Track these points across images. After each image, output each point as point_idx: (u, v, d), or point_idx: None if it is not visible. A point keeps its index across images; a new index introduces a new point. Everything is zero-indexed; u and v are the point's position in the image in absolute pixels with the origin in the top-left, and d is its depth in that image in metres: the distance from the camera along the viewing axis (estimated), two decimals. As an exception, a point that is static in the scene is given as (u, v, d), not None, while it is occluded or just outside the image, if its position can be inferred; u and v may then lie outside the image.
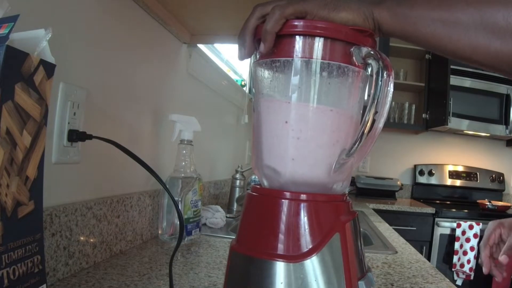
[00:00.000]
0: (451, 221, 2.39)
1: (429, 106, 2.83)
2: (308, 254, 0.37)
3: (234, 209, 1.45)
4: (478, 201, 2.67)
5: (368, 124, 0.38)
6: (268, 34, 0.39)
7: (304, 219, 0.38)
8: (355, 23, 0.39)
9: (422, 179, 2.99)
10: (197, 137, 1.00)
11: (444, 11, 0.38)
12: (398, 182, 2.80)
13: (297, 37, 0.40)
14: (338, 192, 0.43)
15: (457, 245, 2.35)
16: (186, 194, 0.92)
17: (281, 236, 0.38)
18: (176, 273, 0.71)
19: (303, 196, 0.39)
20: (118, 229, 0.79)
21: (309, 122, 0.40)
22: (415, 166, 3.04)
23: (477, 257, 2.31)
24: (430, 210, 2.42)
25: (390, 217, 2.24)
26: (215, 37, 1.16)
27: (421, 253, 1.60)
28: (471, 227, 2.32)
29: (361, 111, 0.42)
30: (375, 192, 2.78)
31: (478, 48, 0.38)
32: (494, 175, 2.96)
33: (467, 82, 2.64)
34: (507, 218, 0.85)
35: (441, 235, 2.41)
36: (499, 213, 2.46)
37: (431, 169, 2.98)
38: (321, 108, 0.41)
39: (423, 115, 2.83)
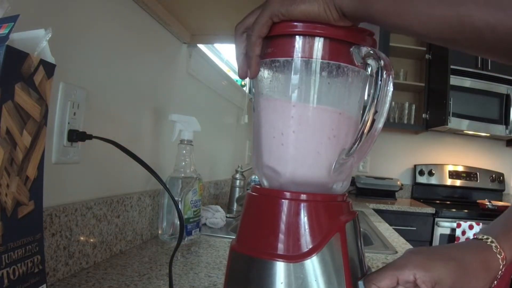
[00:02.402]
0: (451, 221, 2.39)
1: (429, 106, 2.83)
2: (308, 254, 0.37)
3: (234, 209, 1.45)
4: (478, 201, 2.67)
5: (368, 124, 0.38)
6: (250, 59, 0.40)
7: (304, 219, 0.38)
8: (316, 14, 0.38)
9: (422, 179, 2.99)
10: (197, 137, 1.00)
11: None
12: (398, 182, 2.80)
13: (296, 37, 0.40)
14: (338, 192, 0.43)
15: (457, 245, 2.34)
16: (186, 194, 0.92)
17: (281, 236, 0.38)
18: (176, 273, 0.71)
19: (303, 196, 0.39)
20: (118, 229, 0.79)
21: (308, 122, 0.40)
22: (415, 166, 3.04)
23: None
24: (430, 210, 2.42)
25: (390, 217, 2.24)
26: (215, 37, 1.16)
27: (421, 253, 1.60)
28: (471, 227, 2.32)
29: (361, 111, 0.42)
30: (375, 192, 2.78)
31: (424, 20, 0.35)
32: (494, 175, 2.96)
33: (467, 82, 2.64)
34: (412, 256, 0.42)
35: (441, 235, 2.41)
36: (499, 213, 2.46)
37: (431, 169, 2.97)
38: (321, 108, 0.41)
39: (423, 115, 2.83)
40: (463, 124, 2.65)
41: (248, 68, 0.40)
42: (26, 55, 0.39)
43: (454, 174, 2.97)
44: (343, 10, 0.38)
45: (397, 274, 0.41)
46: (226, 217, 1.25)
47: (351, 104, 0.42)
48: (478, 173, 2.97)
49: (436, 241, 2.41)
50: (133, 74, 0.86)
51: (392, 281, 0.40)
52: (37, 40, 0.41)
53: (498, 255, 0.44)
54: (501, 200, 2.86)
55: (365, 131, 0.38)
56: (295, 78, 0.40)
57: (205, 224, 1.14)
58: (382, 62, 0.37)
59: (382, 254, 0.99)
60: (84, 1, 0.67)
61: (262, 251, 0.39)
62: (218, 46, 1.63)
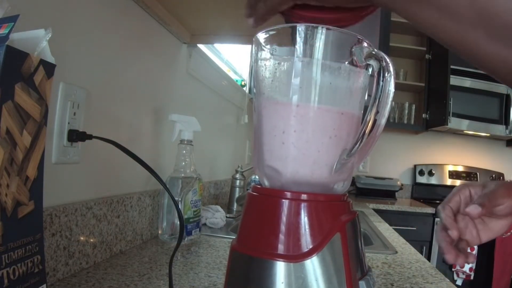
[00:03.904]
0: (451, 221, 2.38)
1: (429, 106, 2.83)
2: (309, 254, 0.37)
3: (234, 209, 1.45)
4: (478, 201, 2.66)
5: (369, 124, 0.38)
6: (256, 19, 0.42)
7: (304, 219, 0.38)
8: None
9: (422, 179, 2.99)
10: (197, 137, 1.00)
11: None
12: (398, 182, 2.80)
13: (298, 36, 0.40)
14: (339, 192, 0.43)
15: (457, 245, 2.34)
16: (186, 194, 0.92)
17: (282, 236, 0.38)
18: (176, 273, 0.71)
19: (304, 196, 0.39)
20: (118, 229, 0.79)
21: (310, 122, 0.40)
22: (415, 166, 3.04)
23: (477, 256, 2.31)
24: (430, 210, 2.42)
25: (390, 217, 2.24)
26: (215, 37, 1.16)
27: (421, 253, 1.60)
28: (471, 227, 2.32)
29: (362, 111, 0.42)
30: (375, 192, 2.78)
31: (470, 45, 0.34)
32: (494, 175, 2.96)
33: (467, 82, 2.64)
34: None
35: (441, 235, 2.40)
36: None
37: (431, 169, 2.98)
38: (322, 108, 0.40)
39: (423, 115, 2.83)
40: (463, 124, 2.65)
41: (253, 20, 0.43)
42: (26, 55, 0.39)
43: (454, 174, 2.97)
44: None
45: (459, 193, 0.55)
46: (226, 217, 1.25)
47: (353, 104, 0.42)
48: (478, 173, 2.97)
49: (436, 241, 2.41)
50: (133, 74, 0.86)
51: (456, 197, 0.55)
52: (37, 40, 0.41)
53: None
54: (501, 200, 2.86)
55: (366, 131, 0.38)
56: (296, 79, 0.40)
57: (205, 224, 1.14)
58: (383, 63, 0.37)
59: (382, 254, 0.99)
60: (84, 1, 0.67)
61: (262, 251, 0.39)
62: (218, 46, 1.63)
